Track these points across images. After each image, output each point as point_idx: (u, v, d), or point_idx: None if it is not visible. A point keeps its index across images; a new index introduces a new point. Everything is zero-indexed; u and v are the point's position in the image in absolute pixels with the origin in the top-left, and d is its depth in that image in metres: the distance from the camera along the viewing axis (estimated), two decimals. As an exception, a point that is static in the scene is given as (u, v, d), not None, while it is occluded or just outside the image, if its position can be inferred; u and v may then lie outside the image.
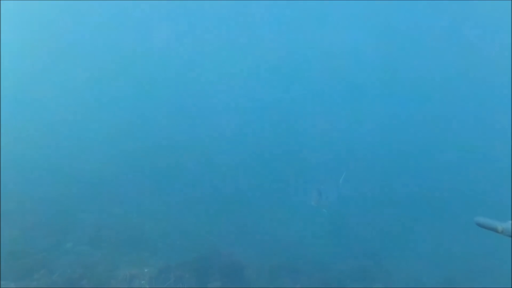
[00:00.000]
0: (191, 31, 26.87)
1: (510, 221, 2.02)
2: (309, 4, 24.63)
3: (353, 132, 20.56)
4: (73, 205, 10.67)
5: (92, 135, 18.06)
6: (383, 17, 24.06)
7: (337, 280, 7.81)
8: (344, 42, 25.18)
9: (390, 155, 18.33)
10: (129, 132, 18.85)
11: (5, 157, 13.07)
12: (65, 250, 8.21)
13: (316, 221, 10.39)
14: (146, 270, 7.05)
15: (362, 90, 24.40)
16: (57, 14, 26.12)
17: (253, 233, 10.04)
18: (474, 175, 15.58)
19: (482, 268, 9.18)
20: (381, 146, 19.02)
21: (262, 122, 21.76)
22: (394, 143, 19.30)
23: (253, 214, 11.17)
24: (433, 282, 8.40)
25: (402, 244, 10.32)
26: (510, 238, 2.00)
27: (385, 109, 22.70)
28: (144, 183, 13.12)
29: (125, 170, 14.15)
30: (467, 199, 12.86)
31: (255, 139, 19.66)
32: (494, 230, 2.06)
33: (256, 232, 10.13)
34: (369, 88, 24.37)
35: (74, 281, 6.54)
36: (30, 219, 9.43)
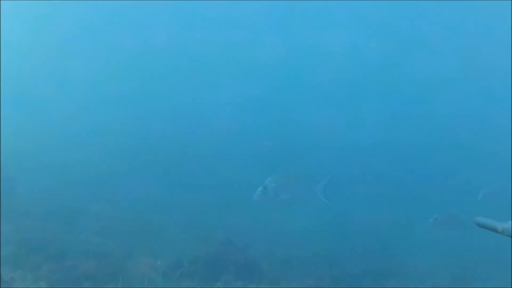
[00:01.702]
0: (190, 30, 26.88)
1: (510, 221, 2.02)
2: (308, 4, 24.62)
3: (359, 130, 20.64)
4: (86, 198, 10.91)
5: (103, 129, 18.28)
6: (382, 17, 24.05)
7: (349, 275, 7.83)
8: (344, 42, 25.18)
9: (392, 155, 18.37)
10: (141, 125, 19.09)
11: (18, 151, 13.23)
12: (78, 241, 8.40)
13: (327, 216, 10.45)
14: (158, 263, 7.19)
15: (361, 90, 24.41)
16: (57, 14, 26.12)
17: (265, 227, 10.21)
18: (474, 175, 15.57)
19: (481, 268, 9.18)
20: (382, 145, 19.05)
21: (271, 117, 21.90)
22: (395, 142, 19.32)
23: (265, 208, 11.22)
24: (433, 282, 8.40)
25: (401, 245, 10.33)
26: (510, 238, 1.99)
27: (386, 109, 22.71)
28: (156, 176, 13.27)
29: (138, 163, 14.37)
30: (467, 199, 12.84)
31: (263, 134, 19.78)
32: (494, 230, 2.06)
33: (268, 226, 10.28)
34: (368, 88, 24.38)
35: (87, 271, 6.70)
36: (43, 211, 9.67)
